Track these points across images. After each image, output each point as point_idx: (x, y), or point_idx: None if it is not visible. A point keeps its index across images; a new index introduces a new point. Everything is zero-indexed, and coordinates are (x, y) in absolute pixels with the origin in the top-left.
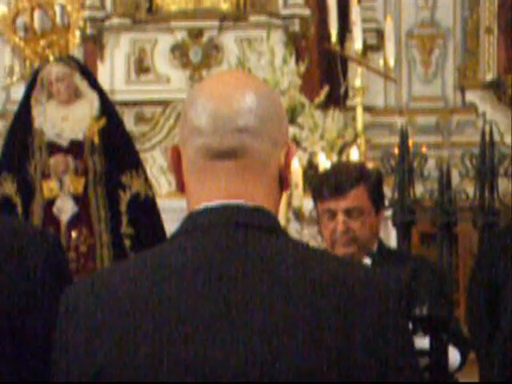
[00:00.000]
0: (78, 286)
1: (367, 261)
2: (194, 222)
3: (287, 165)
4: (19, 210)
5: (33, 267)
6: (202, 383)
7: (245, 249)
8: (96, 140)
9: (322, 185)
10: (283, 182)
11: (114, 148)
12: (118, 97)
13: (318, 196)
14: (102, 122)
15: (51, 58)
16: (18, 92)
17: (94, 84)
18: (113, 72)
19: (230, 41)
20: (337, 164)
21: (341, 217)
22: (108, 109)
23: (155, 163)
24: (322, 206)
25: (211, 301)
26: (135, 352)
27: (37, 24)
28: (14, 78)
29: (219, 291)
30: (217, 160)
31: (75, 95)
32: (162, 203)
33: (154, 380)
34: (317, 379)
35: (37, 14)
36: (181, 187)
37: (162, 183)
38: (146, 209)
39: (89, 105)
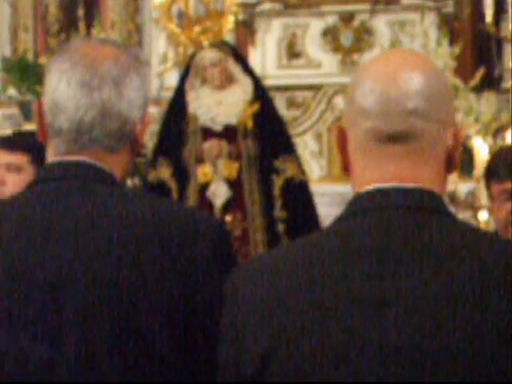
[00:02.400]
0: (244, 271)
1: None
2: (363, 203)
3: (456, 145)
4: (174, 194)
5: (201, 257)
6: (374, 365)
7: (415, 232)
8: (249, 124)
9: (498, 165)
10: (451, 162)
11: (267, 132)
12: (269, 82)
13: (493, 176)
14: (256, 106)
15: (205, 43)
16: (172, 78)
17: (247, 69)
18: (264, 57)
19: (381, 24)
20: None
21: None
22: (261, 93)
23: (306, 148)
24: (497, 187)
25: (376, 286)
26: (302, 337)
27: (191, 10)
28: (168, 65)
29: (383, 276)
30: (387, 143)
31: (229, 80)
32: (313, 187)
33: (324, 367)
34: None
35: (192, 0)
36: (345, 168)
37: (313, 168)
38: (299, 193)
39: (242, 90)
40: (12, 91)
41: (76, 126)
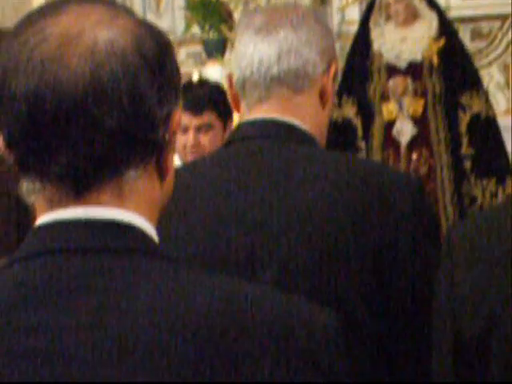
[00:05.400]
0: (461, 229)
1: None
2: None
3: None
4: (359, 132)
5: (400, 215)
6: None
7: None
8: (435, 61)
9: None
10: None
11: (453, 68)
12: (453, 13)
13: None
14: (441, 42)
15: None
16: (353, 12)
17: (433, 4)
18: None
19: None
20: None
21: None
22: (446, 28)
23: (492, 80)
24: None
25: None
26: None
27: None
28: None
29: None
30: None
31: (413, 16)
32: (500, 121)
33: None
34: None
35: None
36: None
37: (499, 100)
38: (486, 129)
39: (427, 25)
40: (195, 29)
41: (257, 67)
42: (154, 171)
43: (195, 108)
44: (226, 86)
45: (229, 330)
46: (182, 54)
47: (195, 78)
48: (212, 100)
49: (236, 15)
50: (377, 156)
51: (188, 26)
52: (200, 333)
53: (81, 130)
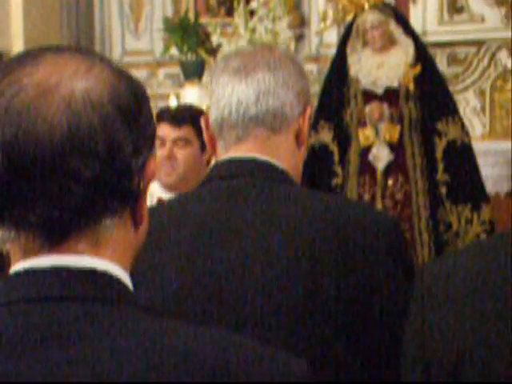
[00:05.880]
0: (434, 268)
1: None
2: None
3: None
4: (336, 157)
5: (376, 256)
6: None
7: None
8: (411, 87)
9: None
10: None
11: (429, 95)
12: (430, 38)
13: None
14: (417, 68)
15: (366, 5)
16: (331, 36)
17: (409, 30)
18: (425, 13)
19: None
20: None
21: None
22: (423, 55)
23: (468, 105)
24: None
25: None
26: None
27: None
28: (327, 23)
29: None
30: None
31: (390, 42)
32: (476, 145)
33: None
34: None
35: None
36: None
37: (475, 125)
38: (462, 156)
39: (404, 52)
40: (173, 51)
41: (235, 107)
42: (128, 219)
43: (174, 120)
44: (203, 108)
45: (205, 379)
46: (160, 75)
47: (173, 102)
48: (192, 116)
49: (214, 38)
50: (353, 181)
51: (166, 48)
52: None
53: (58, 181)
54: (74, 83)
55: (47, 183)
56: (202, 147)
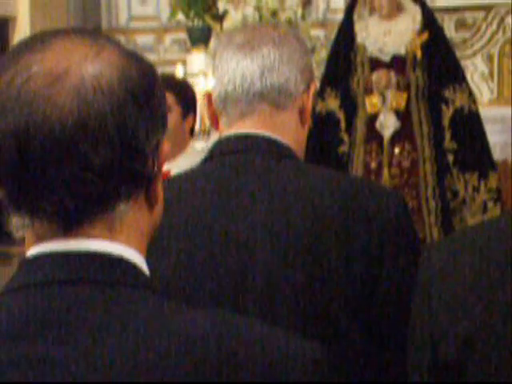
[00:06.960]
0: (442, 248)
1: None
2: None
3: None
4: (342, 125)
5: (381, 232)
6: None
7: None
8: (418, 54)
9: None
10: None
11: (436, 62)
12: (438, 3)
13: None
14: (425, 35)
15: None
16: (338, 1)
17: None
18: None
19: None
20: None
21: None
22: (430, 22)
23: (476, 70)
24: None
25: None
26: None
27: None
28: None
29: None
30: None
31: (397, 9)
32: (483, 111)
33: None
34: None
35: None
36: None
37: (483, 91)
38: (469, 123)
39: (411, 18)
40: (180, 16)
41: (240, 82)
42: (143, 202)
43: None
44: (209, 75)
45: (217, 365)
46: (166, 41)
47: (179, 71)
48: (172, 83)
49: (221, 4)
50: (360, 149)
51: (173, 14)
52: (188, 369)
53: (70, 168)
54: (84, 69)
55: (60, 170)
56: (183, 114)
